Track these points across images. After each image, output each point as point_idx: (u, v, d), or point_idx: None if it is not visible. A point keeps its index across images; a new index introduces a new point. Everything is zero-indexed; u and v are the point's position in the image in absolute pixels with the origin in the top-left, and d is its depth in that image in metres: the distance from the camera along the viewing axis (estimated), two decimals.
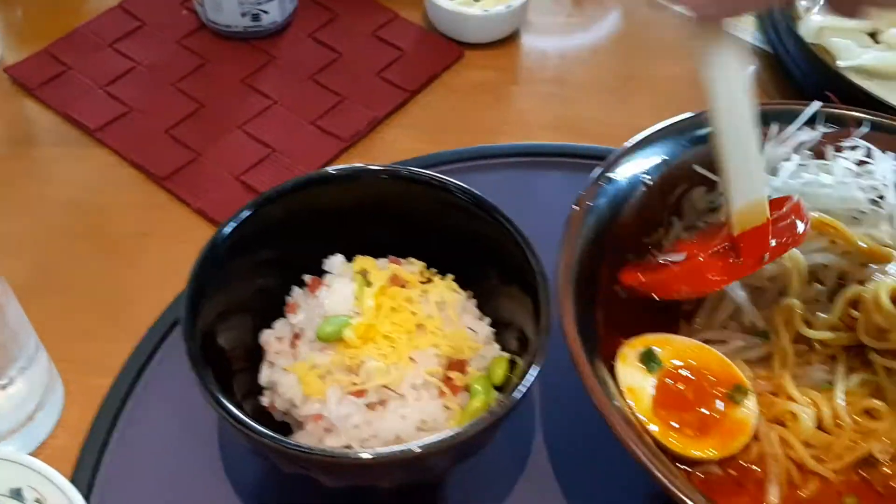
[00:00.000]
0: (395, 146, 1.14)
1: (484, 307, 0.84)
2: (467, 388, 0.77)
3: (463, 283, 0.84)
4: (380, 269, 0.80)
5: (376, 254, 0.83)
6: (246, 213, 0.78)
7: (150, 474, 0.81)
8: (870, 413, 0.74)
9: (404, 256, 0.84)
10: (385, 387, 0.73)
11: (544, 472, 0.83)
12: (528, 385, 0.68)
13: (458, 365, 0.77)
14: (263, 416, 0.77)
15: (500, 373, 0.78)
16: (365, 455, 0.63)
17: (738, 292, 0.79)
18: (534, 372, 0.69)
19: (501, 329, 0.83)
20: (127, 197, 1.06)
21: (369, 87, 1.21)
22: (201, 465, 0.82)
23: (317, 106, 1.18)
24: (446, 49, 1.28)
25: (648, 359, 0.75)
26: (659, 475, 0.64)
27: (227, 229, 0.76)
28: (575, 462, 0.84)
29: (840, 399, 0.73)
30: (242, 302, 0.81)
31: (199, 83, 1.20)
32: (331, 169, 0.81)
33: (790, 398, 0.73)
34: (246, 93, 1.20)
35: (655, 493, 0.78)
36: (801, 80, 1.12)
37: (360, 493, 0.80)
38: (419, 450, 0.63)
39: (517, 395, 0.67)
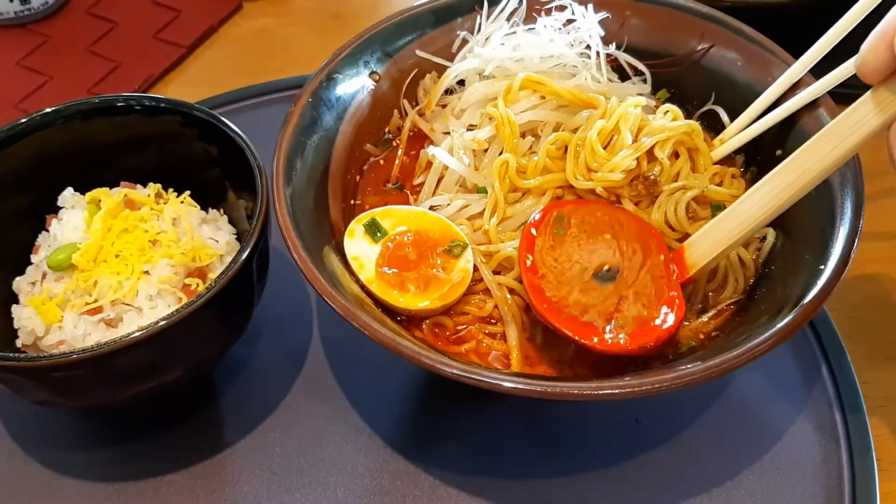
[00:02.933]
0: None
1: (234, 222, 0.86)
2: None
3: (213, 202, 0.87)
4: (112, 195, 0.82)
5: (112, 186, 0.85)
6: None
7: None
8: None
9: (143, 184, 0.86)
10: (122, 302, 0.76)
11: (319, 368, 0.87)
12: (239, 265, 0.70)
13: (198, 272, 0.79)
14: None
15: None
16: (72, 354, 0.65)
17: (457, 163, 0.83)
18: (244, 253, 0.71)
19: None
20: None
21: (145, 49, 1.23)
22: None
23: (92, 74, 1.19)
24: (223, 2, 1.30)
25: (373, 229, 0.78)
26: (383, 337, 0.66)
27: None
28: (345, 354, 0.87)
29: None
30: None
31: None
32: (24, 117, 0.82)
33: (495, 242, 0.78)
34: (21, 74, 1.20)
35: (413, 368, 0.84)
36: None
37: (131, 415, 0.83)
38: (130, 339, 0.65)
39: (225, 274, 0.70)
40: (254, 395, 0.85)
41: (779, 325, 0.65)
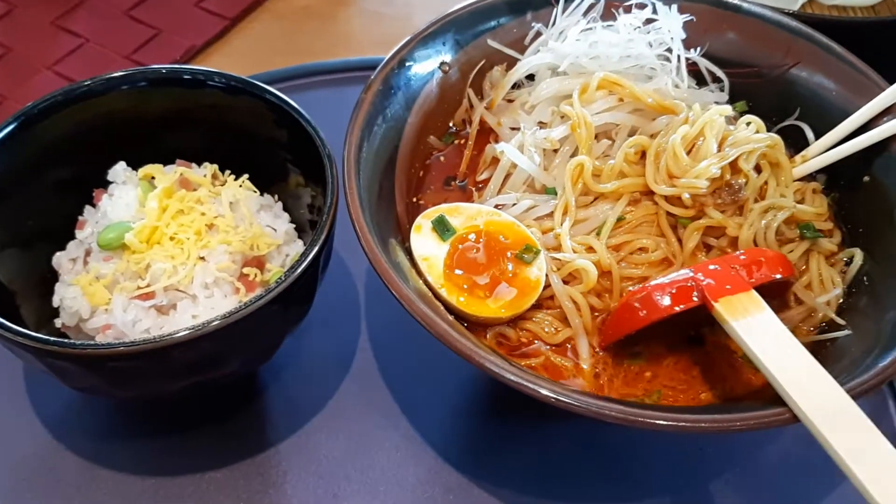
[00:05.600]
0: None
1: (289, 209, 0.82)
2: (268, 285, 0.75)
3: (267, 187, 0.82)
4: (166, 173, 0.78)
5: (166, 163, 0.81)
6: (10, 127, 0.74)
7: None
8: (643, 249, 0.75)
9: (198, 163, 0.82)
10: (176, 289, 0.71)
11: (368, 370, 0.83)
12: (309, 259, 0.66)
13: (255, 261, 0.75)
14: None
15: None
16: (132, 343, 0.61)
17: (527, 161, 0.79)
18: (315, 246, 0.67)
19: (307, 229, 0.82)
20: None
21: (187, 17, 1.18)
22: (5, 404, 0.79)
23: (131, 40, 1.14)
24: None
25: (442, 227, 0.74)
26: (443, 331, 0.63)
27: None
28: (396, 357, 0.84)
29: (604, 239, 0.75)
30: (31, 229, 0.78)
31: (7, 28, 1.15)
32: (90, 80, 0.77)
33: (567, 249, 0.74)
34: (57, 34, 1.15)
35: (471, 374, 0.80)
36: None
37: (171, 407, 0.79)
38: (187, 333, 0.61)
39: (297, 268, 0.66)
40: (299, 393, 0.81)
41: (880, 366, 0.62)
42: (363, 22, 1.23)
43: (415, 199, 0.83)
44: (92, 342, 0.63)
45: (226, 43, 1.17)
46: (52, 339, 0.60)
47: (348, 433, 0.78)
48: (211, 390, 0.75)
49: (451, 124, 0.88)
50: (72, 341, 0.63)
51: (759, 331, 0.63)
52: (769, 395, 0.63)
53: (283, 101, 0.76)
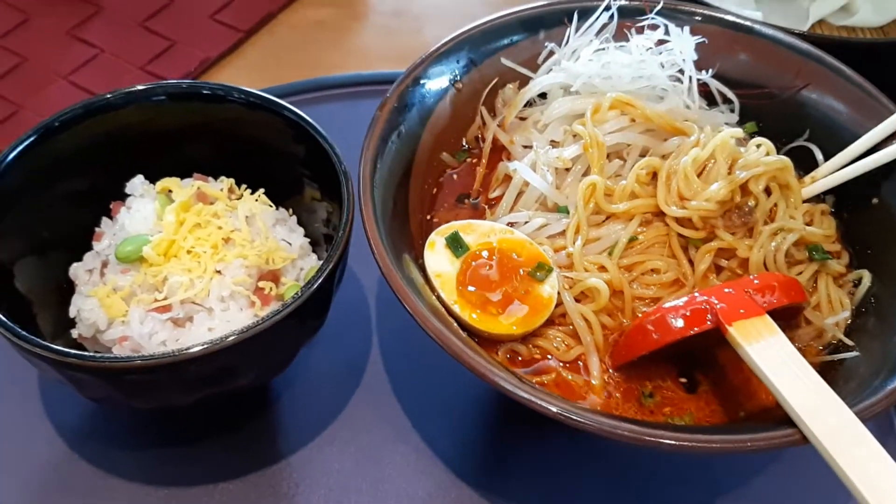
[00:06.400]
0: None
1: (303, 224, 0.83)
2: (282, 298, 0.76)
3: (281, 201, 0.83)
4: (184, 187, 0.79)
5: (183, 177, 0.82)
6: (31, 139, 0.75)
7: None
8: (654, 270, 0.76)
9: (215, 177, 0.83)
10: (192, 302, 0.72)
11: (379, 383, 0.84)
12: (325, 275, 0.67)
13: (270, 275, 0.76)
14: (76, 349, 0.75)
15: None
16: (152, 356, 0.62)
17: (540, 180, 0.80)
18: (332, 262, 0.68)
19: (322, 243, 0.83)
20: None
21: (201, 29, 1.19)
22: (18, 410, 0.80)
23: (145, 51, 1.15)
24: None
25: (455, 244, 0.75)
26: (458, 350, 0.64)
27: (10, 156, 0.73)
28: (407, 370, 0.84)
29: (616, 259, 0.75)
30: (48, 240, 0.79)
31: (22, 37, 1.16)
32: (108, 93, 0.78)
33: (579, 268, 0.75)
34: (71, 44, 1.16)
35: (482, 389, 0.81)
36: None
37: (185, 417, 0.80)
38: (204, 347, 0.62)
39: (314, 283, 0.66)
40: (311, 405, 0.82)
41: (889, 388, 0.63)
42: (375, 36, 1.24)
43: (428, 217, 0.83)
44: (113, 356, 0.64)
45: (239, 55, 1.18)
46: (73, 351, 0.61)
47: (359, 445, 0.79)
48: (224, 401, 0.75)
49: (463, 141, 0.89)
50: (92, 354, 0.63)
51: (771, 354, 0.64)
52: (779, 416, 0.64)
53: (300, 117, 0.77)
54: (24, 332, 0.63)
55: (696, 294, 0.70)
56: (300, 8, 1.26)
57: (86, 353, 0.62)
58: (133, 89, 0.77)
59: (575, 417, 0.60)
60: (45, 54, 1.14)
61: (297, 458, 0.78)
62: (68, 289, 0.79)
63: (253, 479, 0.77)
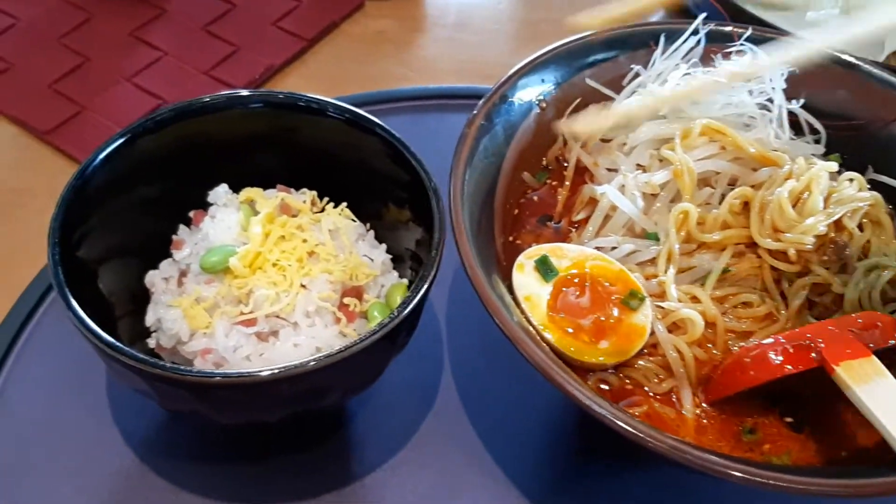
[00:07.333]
0: None
1: (382, 239, 0.81)
2: (365, 315, 0.75)
3: (360, 215, 0.82)
4: (267, 198, 0.77)
5: (268, 187, 0.80)
6: (119, 141, 0.73)
7: (35, 431, 0.77)
8: (746, 304, 0.75)
9: (297, 188, 0.81)
10: (276, 316, 0.70)
11: (453, 406, 0.82)
12: (420, 295, 0.66)
13: (353, 291, 0.74)
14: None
15: (398, 298, 0.76)
16: (246, 374, 0.60)
17: (630, 205, 0.78)
18: (426, 282, 0.67)
19: (400, 260, 0.81)
20: (7, 154, 1.01)
21: (265, 36, 1.18)
22: (88, 416, 0.78)
23: (209, 56, 1.13)
24: None
25: (544, 267, 0.73)
26: (561, 380, 0.62)
27: (100, 156, 0.72)
28: (482, 393, 0.82)
29: (709, 289, 0.74)
30: (125, 243, 0.77)
31: (84, 38, 1.15)
32: (206, 97, 0.77)
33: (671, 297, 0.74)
34: (135, 45, 1.15)
35: (561, 415, 0.79)
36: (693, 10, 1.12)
37: (257, 432, 0.78)
38: (313, 364, 0.60)
39: (408, 305, 0.65)
40: (385, 424, 0.80)
41: None
42: (437, 48, 1.23)
43: (510, 238, 0.82)
44: (222, 372, 0.62)
45: (302, 63, 1.17)
46: (186, 368, 0.60)
47: (432, 471, 0.77)
48: (302, 419, 0.74)
49: (543, 161, 0.88)
50: (209, 371, 0.62)
51: (881, 397, 0.62)
52: (881, 458, 0.62)
53: (391, 134, 0.76)
54: (126, 348, 0.61)
55: (797, 330, 0.68)
56: (362, 18, 1.25)
57: (196, 370, 0.61)
58: (235, 94, 0.76)
59: (690, 457, 0.58)
60: (108, 55, 1.13)
61: (370, 481, 0.76)
62: (141, 296, 0.77)
63: (327, 499, 0.75)
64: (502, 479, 0.77)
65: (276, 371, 0.60)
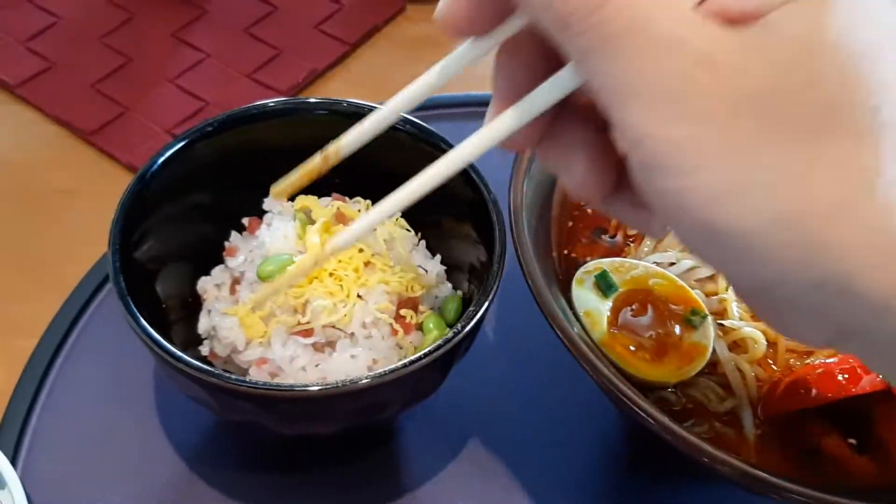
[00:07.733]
0: None
1: (434, 249, 0.80)
2: (420, 328, 0.74)
3: (412, 224, 0.81)
4: (323, 206, 0.76)
5: (320, 195, 0.79)
6: (179, 145, 0.72)
7: (82, 436, 0.77)
8: None
9: (350, 197, 0.80)
10: (333, 326, 0.70)
11: (503, 421, 0.81)
12: (483, 310, 0.65)
13: (409, 303, 0.73)
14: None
15: (453, 310, 0.75)
16: (311, 387, 0.59)
17: None
18: (489, 297, 0.66)
19: (453, 271, 0.80)
20: (51, 154, 1.00)
21: (307, 39, 1.17)
22: (136, 422, 0.77)
23: (252, 58, 1.13)
24: (387, 1, 1.24)
25: (604, 282, 0.72)
26: (627, 397, 0.61)
27: (160, 160, 0.71)
28: (535, 408, 0.81)
29: None
30: (178, 248, 0.77)
31: (126, 37, 1.14)
32: (268, 101, 0.76)
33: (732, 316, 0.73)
34: (177, 46, 1.14)
35: (616, 433, 0.78)
36: None
37: (307, 443, 0.77)
38: (368, 380, 0.60)
39: (471, 320, 0.64)
40: (432, 438, 0.79)
41: None
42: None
43: (565, 251, 0.81)
44: (298, 385, 0.61)
45: (345, 67, 1.16)
46: (250, 380, 0.59)
47: (481, 486, 0.76)
48: (357, 431, 0.73)
49: None
50: (248, 380, 0.61)
51: None
52: None
53: (450, 146, 0.75)
54: (195, 362, 0.60)
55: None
56: (403, 22, 1.24)
57: (267, 383, 0.60)
58: (302, 100, 0.76)
59: (769, 484, 0.57)
60: (150, 56, 1.12)
61: (422, 493, 0.75)
62: (192, 302, 0.77)
63: None
64: (551, 492, 0.76)
65: (345, 384, 0.59)
